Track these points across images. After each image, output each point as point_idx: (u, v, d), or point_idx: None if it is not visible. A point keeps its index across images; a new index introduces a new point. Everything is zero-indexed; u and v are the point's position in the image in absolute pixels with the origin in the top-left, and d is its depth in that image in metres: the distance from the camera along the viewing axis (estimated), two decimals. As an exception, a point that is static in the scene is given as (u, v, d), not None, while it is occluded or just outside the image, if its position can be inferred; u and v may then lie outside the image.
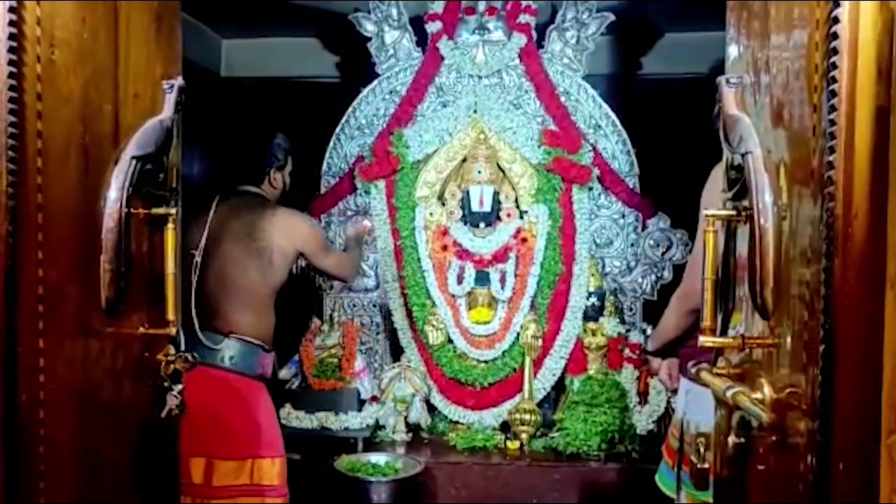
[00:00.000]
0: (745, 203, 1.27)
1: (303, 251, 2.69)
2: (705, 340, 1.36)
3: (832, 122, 1.00)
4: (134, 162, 1.34)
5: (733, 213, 1.35)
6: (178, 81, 1.49)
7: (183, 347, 2.38)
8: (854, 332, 1.00)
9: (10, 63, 1.09)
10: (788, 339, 1.17)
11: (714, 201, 1.53)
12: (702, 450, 1.45)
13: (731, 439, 1.33)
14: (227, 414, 2.44)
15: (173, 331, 1.46)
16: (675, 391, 2.51)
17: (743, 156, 1.26)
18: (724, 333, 1.43)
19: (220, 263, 2.56)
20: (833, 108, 1.00)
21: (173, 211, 1.46)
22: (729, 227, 1.45)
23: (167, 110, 1.46)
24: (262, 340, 2.58)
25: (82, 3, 1.26)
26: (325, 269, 2.83)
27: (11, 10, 1.09)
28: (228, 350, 2.50)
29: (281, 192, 2.80)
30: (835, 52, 1.00)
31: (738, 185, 1.33)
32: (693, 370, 1.45)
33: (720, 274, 1.44)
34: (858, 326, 0.99)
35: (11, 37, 1.09)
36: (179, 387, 1.50)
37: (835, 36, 1.00)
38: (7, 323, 1.10)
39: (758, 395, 1.23)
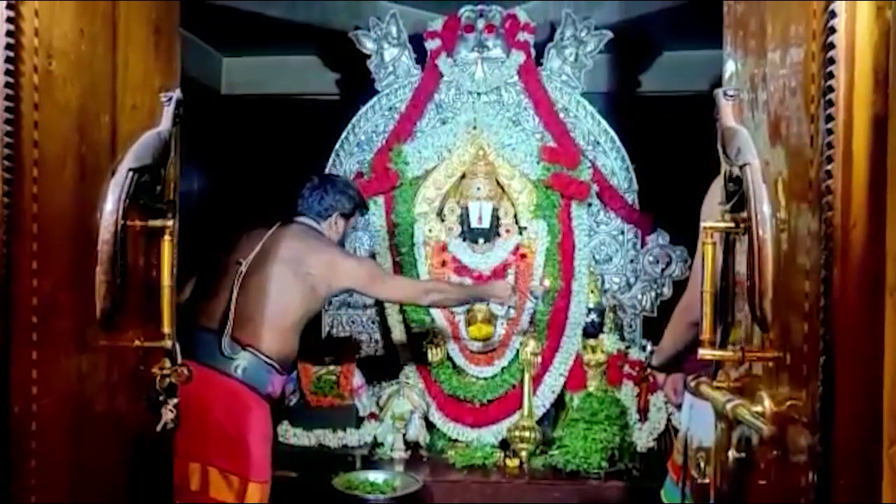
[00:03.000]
0: (744, 215, 1.26)
1: (351, 288, 2.73)
2: (704, 353, 1.35)
3: (830, 132, 1.00)
4: (131, 174, 1.34)
5: (731, 224, 1.35)
6: (177, 94, 1.49)
7: (205, 350, 2.41)
8: (854, 343, 0.99)
9: (8, 73, 1.09)
10: (788, 352, 1.16)
11: (714, 214, 1.53)
12: (702, 464, 1.43)
13: (732, 454, 1.31)
14: (228, 424, 2.42)
15: (169, 343, 1.45)
16: (679, 406, 2.49)
17: (741, 167, 1.26)
18: (723, 349, 1.42)
19: (262, 278, 2.57)
20: (830, 118, 0.99)
21: (170, 223, 1.45)
22: (728, 241, 1.45)
23: (165, 122, 1.46)
24: (279, 362, 2.55)
25: (81, 14, 1.26)
26: (386, 299, 2.94)
27: (9, 20, 1.09)
28: (243, 361, 2.49)
29: (339, 238, 2.83)
30: (832, 61, 0.99)
31: (737, 196, 1.33)
32: (692, 384, 1.44)
33: (720, 287, 1.43)
34: (858, 336, 0.98)
35: (9, 46, 1.09)
36: (175, 400, 1.49)
37: (831, 46, 1.00)
38: (0, 333, 1.09)
39: (758, 408, 1.22)
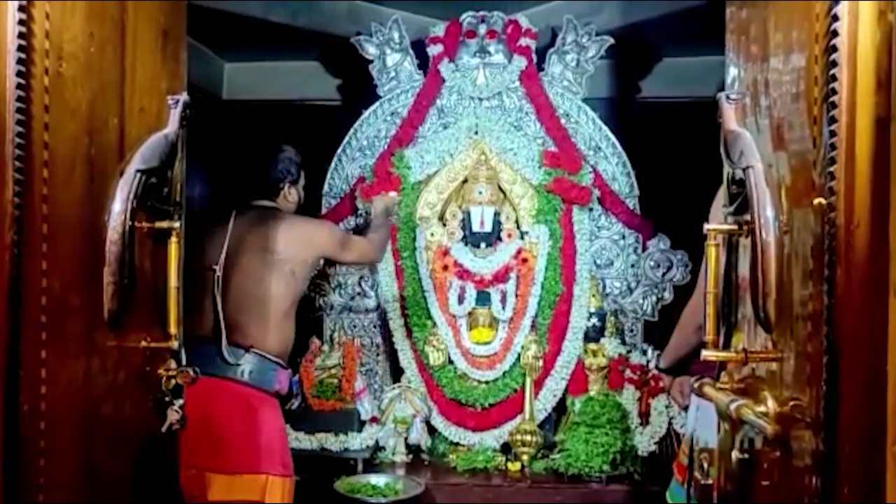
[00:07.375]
0: (747, 217, 1.27)
1: (324, 255, 2.78)
2: (708, 354, 1.36)
3: (833, 133, 1.01)
4: (139, 175, 1.35)
5: (735, 227, 1.36)
6: (183, 97, 1.51)
7: (205, 360, 2.40)
8: (858, 343, 1.00)
9: (19, 74, 1.10)
10: (791, 352, 1.17)
11: (721, 217, 1.54)
12: (705, 465, 1.44)
13: (735, 454, 1.32)
14: (241, 428, 2.43)
15: (175, 344, 1.46)
16: (686, 409, 2.50)
17: (744, 170, 1.27)
18: (726, 350, 1.42)
19: (239, 278, 2.57)
20: (833, 119, 1.00)
21: (177, 225, 1.46)
22: (731, 244, 1.45)
23: (172, 125, 1.47)
24: (280, 356, 2.60)
25: (90, 17, 1.27)
26: (351, 263, 2.98)
27: (21, 22, 1.10)
28: (248, 364, 2.51)
29: (296, 205, 2.86)
30: (834, 64, 1.01)
31: (740, 199, 1.34)
32: (696, 385, 1.45)
33: (724, 289, 1.44)
34: (862, 336, 0.99)
35: (20, 48, 1.10)
36: (180, 401, 1.49)
37: (834, 48, 1.01)
38: (10, 332, 1.10)
39: (762, 409, 1.22)
